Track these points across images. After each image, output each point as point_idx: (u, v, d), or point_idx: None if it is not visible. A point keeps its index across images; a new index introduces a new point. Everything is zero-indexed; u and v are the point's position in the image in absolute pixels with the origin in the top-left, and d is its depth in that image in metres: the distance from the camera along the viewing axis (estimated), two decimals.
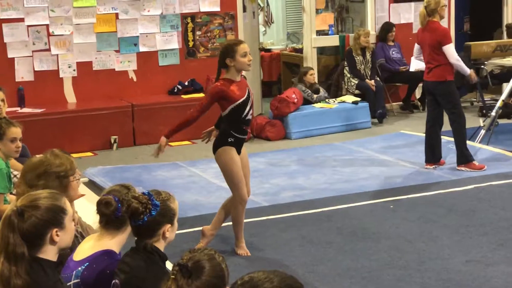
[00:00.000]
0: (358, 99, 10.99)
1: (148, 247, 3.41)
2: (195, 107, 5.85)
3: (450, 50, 8.06)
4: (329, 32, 12.03)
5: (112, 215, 3.53)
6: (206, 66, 10.82)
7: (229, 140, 5.75)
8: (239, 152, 5.81)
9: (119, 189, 3.66)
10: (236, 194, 5.83)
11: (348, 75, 11.46)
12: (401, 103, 12.35)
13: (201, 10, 10.81)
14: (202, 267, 2.72)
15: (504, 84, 11.25)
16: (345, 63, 11.52)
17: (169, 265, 3.63)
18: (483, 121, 9.39)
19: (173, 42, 10.71)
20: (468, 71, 8.21)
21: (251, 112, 5.81)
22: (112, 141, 9.89)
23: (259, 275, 2.52)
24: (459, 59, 8.13)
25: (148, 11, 10.48)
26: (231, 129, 5.75)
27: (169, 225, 3.48)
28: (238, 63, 5.68)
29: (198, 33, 10.83)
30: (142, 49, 10.54)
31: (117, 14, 10.36)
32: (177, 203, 3.55)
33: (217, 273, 2.74)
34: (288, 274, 2.57)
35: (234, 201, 5.87)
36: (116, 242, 3.62)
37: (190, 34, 10.80)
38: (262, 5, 13.99)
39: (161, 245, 3.46)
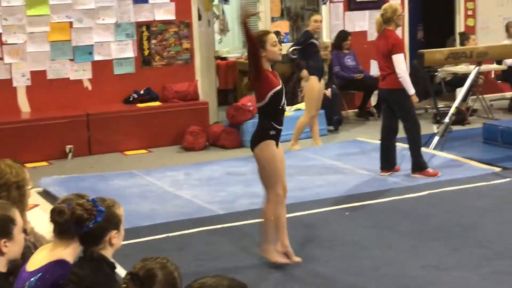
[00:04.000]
0: None
1: (95, 255, 3.35)
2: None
3: (398, 60, 8.07)
4: (285, 40, 12.07)
5: (65, 224, 3.50)
6: (161, 75, 10.81)
7: (271, 133, 5.58)
8: (277, 145, 5.66)
9: (74, 198, 3.62)
10: (272, 192, 5.68)
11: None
12: (357, 110, 12.44)
13: (156, 19, 10.80)
14: (154, 275, 2.71)
15: (458, 91, 11.41)
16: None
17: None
18: (437, 128, 9.49)
19: (128, 50, 10.68)
20: (412, 91, 8.11)
21: (285, 102, 5.69)
22: (67, 150, 9.81)
23: (208, 280, 2.51)
24: (406, 73, 8.13)
25: (103, 19, 10.43)
26: (272, 120, 5.59)
27: (115, 231, 3.41)
28: (270, 52, 5.60)
29: (153, 41, 10.81)
30: (97, 57, 10.49)
31: (71, 23, 10.30)
32: (122, 210, 3.48)
33: (169, 282, 2.73)
34: (237, 281, 2.56)
35: (272, 200, 5.70)
36: (70, 252, 3.57)
37: (145, 43, 10.77)
38: (217, 13, 14.00)
39: (108, 253, 3.40)
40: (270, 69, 5.64)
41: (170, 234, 6.50)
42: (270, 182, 5.67)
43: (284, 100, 5.63)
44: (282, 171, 5.71)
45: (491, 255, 5.74)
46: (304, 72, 9.65)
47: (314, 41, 9.78)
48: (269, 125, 5.58)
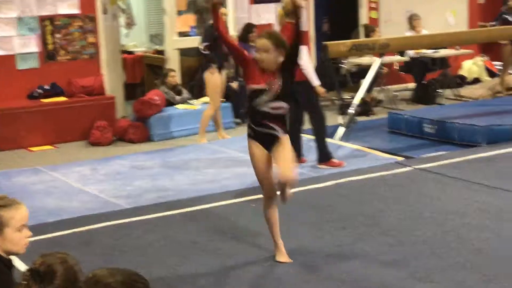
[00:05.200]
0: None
1: None
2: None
3: (302, 52, 8.15)
4: (191, 33, 12.06)
5: None
6: (67, 70, 10.68)
7: (249, 132, 5.52)
8: (267, 147, 5.48)
9: None
10: (264, 190, 5.64)
11: None
12: None
13: (60, 13, 10.65)
14: (54, 271, 2.69)
15: (363, 82, 11.59)
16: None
17: None
18: (342, 119, 9.64)
19: (32, 45, 10.51)
20: (316, 82, 8.26)
21: (272, 105, 5.41)
22: None
23: (102, 271, 2.51)
24: (309, 65, 8.26)
25: (4, 13, 10.23)
26: (250, 119, 5.52)
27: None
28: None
29: (57, 36, 10.65)
30: None
31: None
32: (17, 211, 3.36)
33: (69, 276, 2.72)
34: (133, 271, 2.56)
35: (263, 199, 5.68)
36: None
37: (49, 37, 10.62)
38: (123, 7, 13.87)
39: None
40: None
41: (76, 230, 6.44)
42: (258, 180, 5.65)
43: (261, 102, 5.38)
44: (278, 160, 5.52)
45: (394, 242, 5.86)
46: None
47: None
48: (248, 124, 5.55)
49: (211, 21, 9.88)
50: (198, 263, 5.66)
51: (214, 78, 9.78)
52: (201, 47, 9.68)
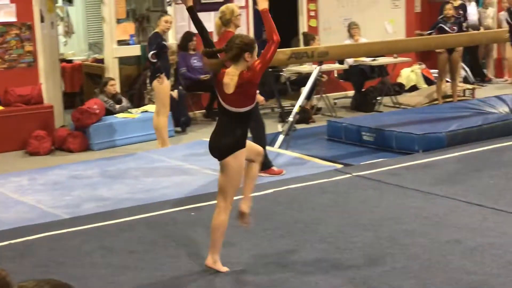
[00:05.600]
0: None
1: None
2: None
3: None
4: (130, 42, 12.01)
5: None
6: (3, 78, 10.54)
7: (244, 142, 5.40)
8: None
9: None
10: (227, 201, 5.51)
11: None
12: (204, 111, 12.52)
13: None
14: None
15: (303, 90, 11.67)
16: (148, 72, 11.52)
17: None
18: (282, 127, 9.69)
19: None
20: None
21: None
22: None
23: (30, 283, 2.48)
24: None
25: None
26: (248, 127, 5.45)
27: None
28: (251, 60, 5.34)
29: None
30: None
31: None
32: None
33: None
34: (63, 282, 2.53)
35: (221, 208, 5.52)
36: None
37: None
38: (61, 15, 13.77)
39: None
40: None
41: (12, 241, 6.35)
42: (230, 192, 5.50)
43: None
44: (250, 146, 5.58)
45: (332, 249, 5.91)
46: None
47: (165, 42, 9.81)
48: (245, 133, 5.43)
49: (156, 30, 9.85)
50: (135, 273, 5.62)
51: (164, 86, 9.75)
52: (149, 56, 9.62)
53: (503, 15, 15.13)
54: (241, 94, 5.30)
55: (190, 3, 5.77)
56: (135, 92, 11.97)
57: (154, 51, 9.60)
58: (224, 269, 5.58)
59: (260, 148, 5.71)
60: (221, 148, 5.40)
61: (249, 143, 5.57)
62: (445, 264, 5.53)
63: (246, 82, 5.27)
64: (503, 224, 6.40)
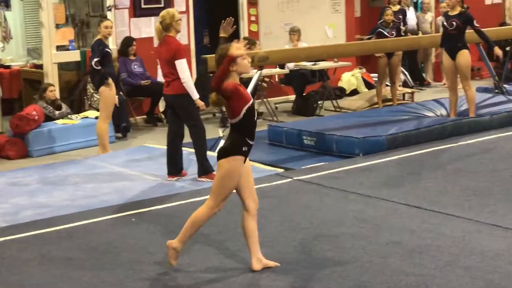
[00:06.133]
0: None
1: None
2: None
3: (182, 65, 8.21)
4: (70, 47, 11.90)
5: None
6: None
7: (244, 149, 5.41)
8: (245, 160, 5.50)
9: None
10: (213, 201, 5.57)
11: (92, 91, 11.38)
12: (145, 116, 12.47)
13: None
14: None
15: None
16: (88, 78, 11.43)
17: None
18: (223, 132, 9.68)
19: None
20: (196, 95, 8.30)
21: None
22: None
23: None
24: (189, 78, 8.29)
25: None
26: (246, 136, 5.41)
27: None
28: (240, 66, 5.33)
29: None
30: None
31: None
32: None
33: None
34: None
35: (210, 207, 5.58)
36: None
37: None
38: None
39: None
40: (239, 82, 5.43)
41: None
42: (222, 194, 5.56)
43: (256, 114, 5.52)
44: (249, 184, 5.63)
45: (273, 253, 5.91)
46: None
47: (108, 49, 9.72)
48: (243, 141, 5.42)
49: (98, 37, 9.74)
50: (74, 281, 5.56)
51: (110, 92, 9.67)
52: (92, 63, 9.50)
53: (441, 19, 15.39)
54: (228, 107, 5.40)
55: (225, 35, 5.82)
56: (75, 98, 11.86)
57: (97, 59, 9.52)
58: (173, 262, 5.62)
59: (256, 199, 5.69)
60: (219, 150, 5.56)
61: (252, 183, 5.66)
62: (384, 266, 5.57)
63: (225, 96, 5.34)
64: (441, 225, 6.48)
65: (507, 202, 7.13)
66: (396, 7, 13.59)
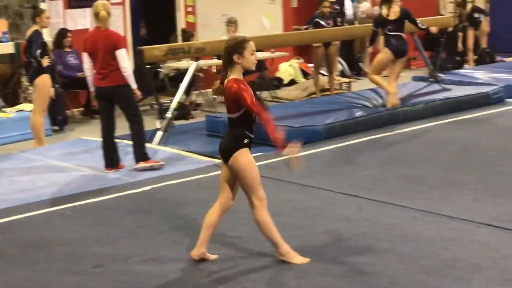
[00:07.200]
0: None
1: None
2: (258, 109, 5.26)
3: (123, 55, 8.19)
4: (3, 39, 11.71)
5: None
6: None
7: (245, 141, 5.37)
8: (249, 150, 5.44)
9: None
10: (257, 197, 5.45)
11: (26, 84, 11.21)
12: (82, 109, 12.34)
13: None
14: None
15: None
16: (23, 71, 11.26)
17: None
18: (160, 123, 9.62)
19: None
20: (135, 85, 8.32)
21: None
22: None
23: None
24: (130, 68, 8.31)
25: None
26: (245, 130, 5.37)
27: None
28: (246, 60, 5.30)
29: None
30: None
31: None
32: None
33: None
34: None
35: (257, 206, 5.47)
36: None
37: None
38: None
39: None
40: (242, 77, 5.37)
41: None
42: (250, 189, 5.46)
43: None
44: (237, 186, 5.60)
45: (210, 245, 5.88)
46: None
47: (45, 40, 9.60)
48: (243, 134, 5.39)
49: (35, 27, 9.55)
50: (8, 276, 5.48)
51: (47, 85, 9.54)
52: (36, 55, 9.34)
53: (377, 10, 15.53)
54: (228, 100, 5.36)
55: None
56: (10, 91, 11.68)
57: (40, 50, 9.38)
58: (305, 260, 5.51)
59: (234, 198, 5.68)
60: (221, 150, 5.51)
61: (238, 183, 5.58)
62: (321, 255, 5.61)
63: (227, 92, 5.32)
64: (377, 213, 6.55)
65: (440, 189, 7.24)
66: None
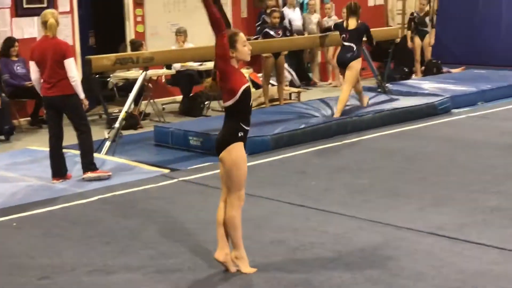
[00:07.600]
0: None
1: None
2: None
3: (71, 64, 8.15)
4: None
5: None
6: None
7: (239, 134, 5.30)
8: (244, 147, 5.38)
9: None
10: (237, 195, 5.39)
11: None
12: (29, 118, 12.22)
13: None
14: None
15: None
16: None
17: None
18: (108, 133, 9.57)
19: None
20: (83, 94, 8.28)
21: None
22: None
23: None
24: (78, 78, 8.28)
25: None
26: (240, 121, 5.30)
27: None
28: (240, 52, 5.27)
29: None
30: None
31: None
32: None
33: None
34: None
35: (234, 203, 5.41)
36: None
37: None
38: None
39: None
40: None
41: None
42: (236, 185, 5.39)
43: (251, 99, 5.43)
44: None
45: (156, 254, 5.90)
46: None
47: None
48: (237, 126, 5.32)
49: None
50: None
51: None
52: None
53: (326, 20, 15.67)
54: (222, 88, 5.34)
55: None
56: None
57: None
58: (252, 270, 5.52)
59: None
60: (216, 142, 5.44)
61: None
62: (268, 265, 5.63)
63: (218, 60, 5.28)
64: (324, 223, 6.60)
65: (387, 198, 7.32)
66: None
